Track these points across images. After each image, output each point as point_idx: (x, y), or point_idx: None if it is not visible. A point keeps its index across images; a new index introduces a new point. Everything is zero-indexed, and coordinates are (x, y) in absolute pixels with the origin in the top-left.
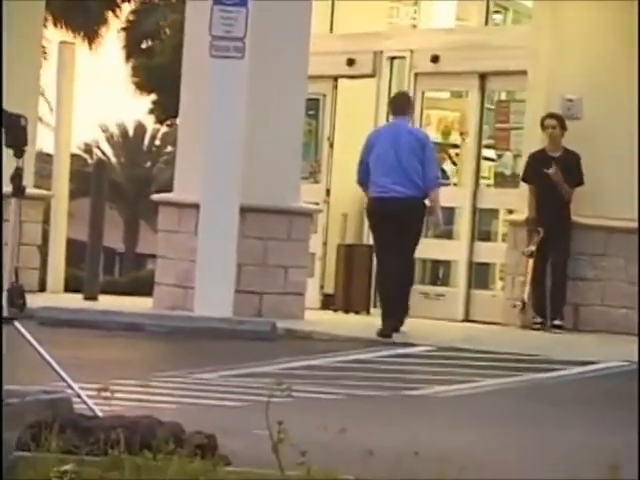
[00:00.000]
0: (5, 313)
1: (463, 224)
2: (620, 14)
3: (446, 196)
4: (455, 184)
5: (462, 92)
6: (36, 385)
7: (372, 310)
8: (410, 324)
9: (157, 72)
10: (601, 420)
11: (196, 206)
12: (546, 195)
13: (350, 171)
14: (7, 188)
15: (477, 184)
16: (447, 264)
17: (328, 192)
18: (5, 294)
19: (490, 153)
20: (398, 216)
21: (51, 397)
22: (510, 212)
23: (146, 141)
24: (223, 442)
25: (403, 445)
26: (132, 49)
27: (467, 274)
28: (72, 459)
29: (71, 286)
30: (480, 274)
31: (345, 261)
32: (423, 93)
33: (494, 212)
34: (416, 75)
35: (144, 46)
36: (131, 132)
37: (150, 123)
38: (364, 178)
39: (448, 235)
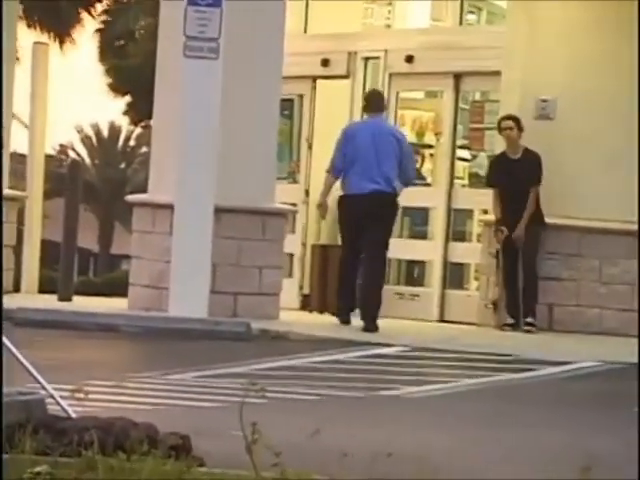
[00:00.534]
0: None
1: (438, 224)
2: (595, 14)
3: (421, 196)
4: (429, 184)
5: (437, 92)
6: (10, 386)
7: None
8: (385, 324)
9: (131, 73)
10: (576, 420)
11: (170, 207)
12: (511, 197)
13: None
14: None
15: (452, 184)
16: (422, 264)
17: (307, 192)
18: None
19: (465, 153)
20: (373, 212)
21: (26, 398)
22: (485, 212)
23: (120, 142)
24: (197, 443)
25: (378, 446)
26: (106, 50)
27: (442, 274)
28: (46, 460)
29: (45, 287)
30: (455, 274)
31: (320, 262)
32: (397, 93)
33: (469, 212)
34: (390, 75)
35: (117, 46)
36: (105, 133)
37: (125, 124)
38: (339, 169)
39: (423, 235)
